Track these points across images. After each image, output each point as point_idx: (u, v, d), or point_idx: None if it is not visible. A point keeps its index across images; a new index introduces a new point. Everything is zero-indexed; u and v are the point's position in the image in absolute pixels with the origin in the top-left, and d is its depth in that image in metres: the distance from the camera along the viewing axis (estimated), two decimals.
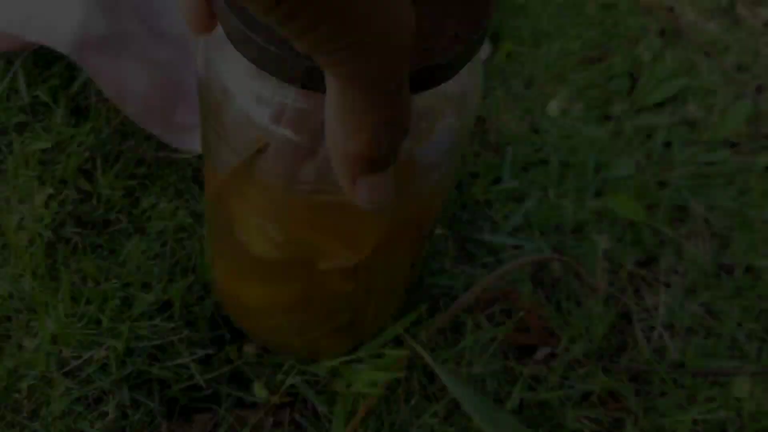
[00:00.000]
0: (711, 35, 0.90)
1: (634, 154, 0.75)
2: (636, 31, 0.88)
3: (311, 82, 0.30)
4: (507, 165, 0.71)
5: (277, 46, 0.29)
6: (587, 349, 0.59)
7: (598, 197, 0.70)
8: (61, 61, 0.70)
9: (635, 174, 0.73)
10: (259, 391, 0.54)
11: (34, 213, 0.60)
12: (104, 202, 0.63)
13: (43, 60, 0.71)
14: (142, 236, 0.61)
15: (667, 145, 0.77)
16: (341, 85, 0.26)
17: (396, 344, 0.57)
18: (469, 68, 0.34)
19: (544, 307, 0.62)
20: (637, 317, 0.63)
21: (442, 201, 0.47)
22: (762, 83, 0.86)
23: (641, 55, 0.85)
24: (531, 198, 0.68)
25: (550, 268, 0.64)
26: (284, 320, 0.52)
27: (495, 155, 0.72)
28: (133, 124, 0.68)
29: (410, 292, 0.55)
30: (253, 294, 0.51)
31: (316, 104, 0.33)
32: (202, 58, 0.39)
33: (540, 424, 0.54)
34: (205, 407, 0.54)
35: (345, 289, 0.47)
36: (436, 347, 0.57)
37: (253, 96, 0.36)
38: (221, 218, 0.46)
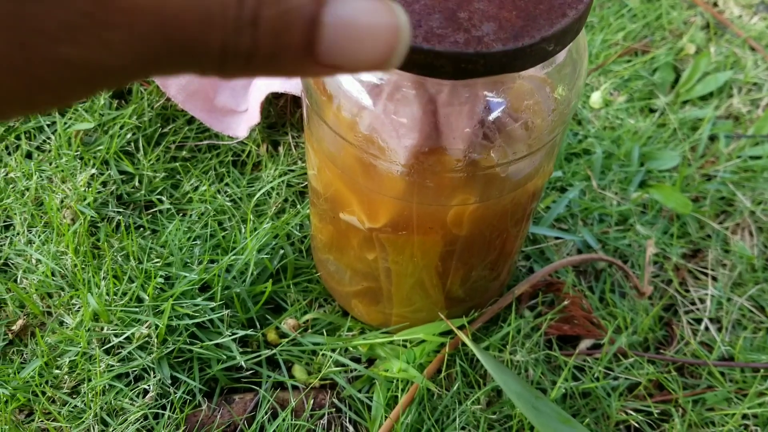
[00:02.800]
0: (755, 29, 0.88)
1: (679, 146, 0.73)
2: (679, 24, 0.87)
3: None
4: None
5: None
6: (632, 340, 0.58)
7: (642, 189, 0.69)
8: None
9: (680, 166, 0.71)
10: (300, 373, 0.54)
11: (77, 192, 0.60)
12: (146, 184, 0.63)
13: None
14: (183, 218, 0.61)
15: (712, 138, 0.76)
16: None
17: (439, 334, 0.56)
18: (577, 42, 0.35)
19: (588, 298, 0.60)
20: (683, 310, 0.61)
21: (510, 214, 0.46)
22: None
23: (685, 48, 0.84)
24: (574, 189, 0.67)
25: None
26: (327, 257, 0.52)
27: None
28: (175, 108, 0.68)
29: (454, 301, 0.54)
30: (314, 225, 0.53)
31: None
32: None
33: (584, 414, 0.53)
34: (246, 387, 0.53)
35: (365, 254, 0.47)
36: (478, 334, 0.56)
37: None
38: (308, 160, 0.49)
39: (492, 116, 0.36)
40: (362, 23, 0.18)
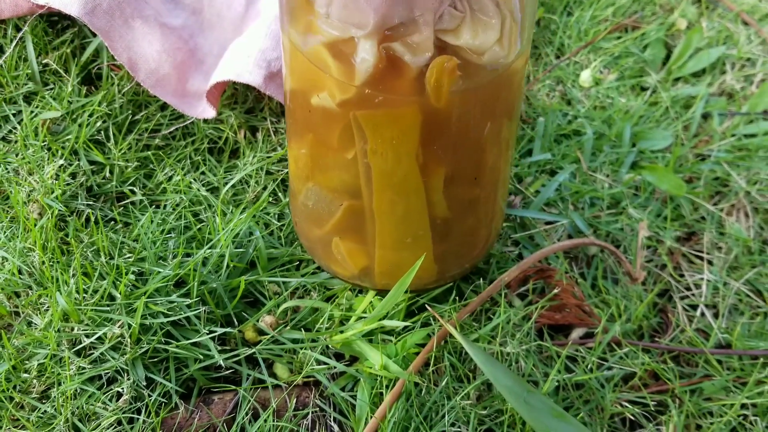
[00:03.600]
0: (748, 3, 0.85)
1: (671, 125, 0.71)
2: None
3: None
4: (538, 137, 0.67)
5: None
6: (626, 329, 0.56)
7: (634, 170, 0.67)
8: (72, 27, 0.67)
9: (673, 146, 0.69)
10: (282, 371, 0.51)
11: (44, 185, 0.57)
12: (117, 174, 0.60)
13: (53, 26, 0.68)
14: (156, 209, 0.58)
15: (706, 116, 0.73)
16: None
17: (423, 322, 0.54)
18: None
19: (580, 285, 0.58)
20: (678, 296, 0.59)
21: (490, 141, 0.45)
22: None
23: (676, 23, 0.81)
24: (564, 171, 0.65)
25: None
26: (305, 192, 0.51)
27: (526, 127, 0.68)
28: (147, 94, 0.65)
29: (442, 261, 0.52)
30: (292, 162, 0.52)
31: None
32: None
33: (578, 407, 0.51)
34: (225, 388, 0.51)
35: (344, 153, 0.46)
36: (466, 325, 0.54)
37: None
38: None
39: None
40: None
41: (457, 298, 0.55)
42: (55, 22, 0.68)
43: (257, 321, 0.53)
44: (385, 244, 0.50)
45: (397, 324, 0.51)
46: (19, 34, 0.64)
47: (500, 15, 0.39)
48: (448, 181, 0.47)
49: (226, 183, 0.61)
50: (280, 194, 0.60)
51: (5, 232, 0.55)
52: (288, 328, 0.53)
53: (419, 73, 0.40)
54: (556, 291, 0.55)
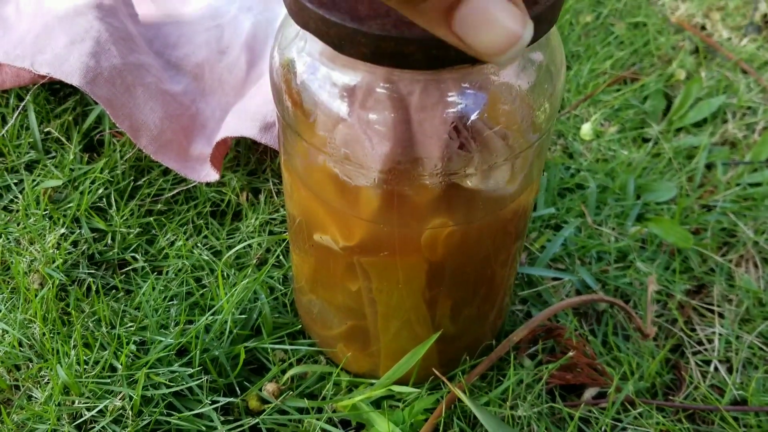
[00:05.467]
0: (746, 51, 0.86)
1: (675, 176, 0.71)
2: (668, 49, 0.85)
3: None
4: (542, 192, 0.67)
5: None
6: (639, 387, 0.55)
7: (640, 223, 0.66)
8: (73, 95, 0.68)
9: (678, 198, 0.68)
10: None
11: (46, 254, 0.57)
12: (119, 241, 0.60)
13: (54, 94, 0.68)
14: (158, 276, 0.57)
15: (709, 166, 0.73)
16: None
17: (431, 386, 0.52)
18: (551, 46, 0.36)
19: (591, 343, 0.57)
20: (690, 351, 0.58)
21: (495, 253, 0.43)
22: None
23: (675, 74, 0.81)
24: (569, 226, 0.64)
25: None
26: (309, 298, 0.50)
27: None
28: (149, 159, 0.65)
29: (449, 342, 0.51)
30: (294, 264, 0.51)
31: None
32: (277, 52, 0.38)
33: None
34: None
35: (348, 284, 0.44)
36: (476, 388, 0.53)
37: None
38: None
39: (467, 121, 0.34)
40: (496, 17, 0.23)
41: (467, 357, 0.54)
42: (56, 90, 0.69)
43: (260, 389, 0.52)
44: (391, 356, 0.50)
45: (407, 390, 0.50)
46: (22, 104, 0.65)
47: (510, 154, 0.37)
48: (454, 307, 0.47)
49: (229, 246, 0.60)
50: (282, 258, 0.60)
51: (5, 304, 0.54)
52: (293, 395, 0.52)
53: (426, 213, 0.39)
54: (570, 354, 0.54)
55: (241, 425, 0.50)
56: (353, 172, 0.37)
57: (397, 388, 0.50)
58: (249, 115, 0.61)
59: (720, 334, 0.59)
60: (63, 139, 0.65)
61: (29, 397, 0.51)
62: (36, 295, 0.54)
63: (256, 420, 0.50)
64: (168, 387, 0.49)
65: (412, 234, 0.40)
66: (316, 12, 0.30)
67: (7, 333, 0.53)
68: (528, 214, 0.46)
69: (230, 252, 0.59)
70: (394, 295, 0.44)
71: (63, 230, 0.58)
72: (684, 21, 0.89)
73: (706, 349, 0.59)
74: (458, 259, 0.42)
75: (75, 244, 0.59)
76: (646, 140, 0.75)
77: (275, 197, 0.64)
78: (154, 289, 0.55)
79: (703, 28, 0.90)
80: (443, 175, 0.36)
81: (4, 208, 0.61)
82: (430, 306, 0.45)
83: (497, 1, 0.23)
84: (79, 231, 0.59)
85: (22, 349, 0.52)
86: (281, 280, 0.58)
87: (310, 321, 0.53)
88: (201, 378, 0.50)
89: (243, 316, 0.54)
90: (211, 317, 0.53)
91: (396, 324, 0.46)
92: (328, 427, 0.50)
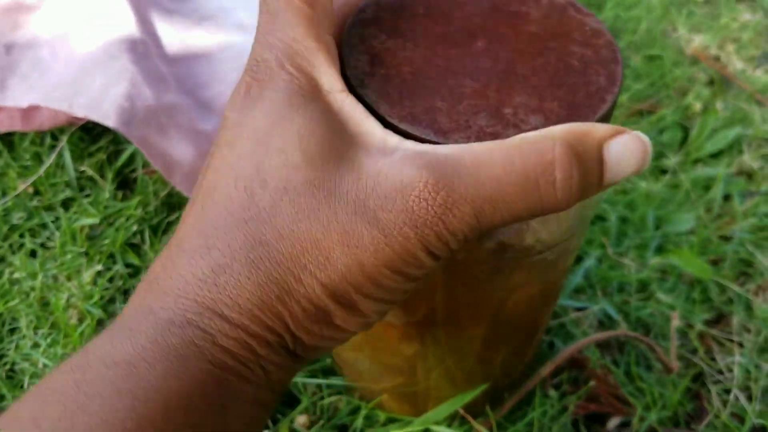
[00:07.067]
0: (760, 82, 0.87)
1: (693, 207, 0.72)
2: (684, 81, 0.87)
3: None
4: None
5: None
6: (662, 416, 0.56)
7: (660, 254, 0.68)
8: (107, 134, 0.70)
9: (696, 228, 0.70)
10: None
11: (83, 290, 0.59)
12: None
13: (88, 133, 0.71)
14: None
15: (727, 197, 0.74)
16: None
17: (461, 422, 0.54)
18: None
19: (613, 374, 0.58)
20: (711, 380, 0.59)
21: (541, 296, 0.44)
22: None
23: (691, 105, 0.83)
24: (590, 257, 0.66)
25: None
26: (356, 356, 0.50)
27: None
28: (180, 195, 0.67)
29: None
30: None
31: None
32: None
33: None
34: None
35: (403, 349, 0.45)
36: (503, 419, 0.54)
37: None
38: None
39: None
40: (628, 154, 0.27)
41: (504, 395, 0.55)
42: (89, 129, 0.71)
43: (292, 422, 0.53)
44: (434, 399, 0.51)
45: (446, 431, 0.51)
46: (59, 145, 0.67)
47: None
48: (504, 357, 0.48)
49: None
50: None
51: (46, 339, 0.56)
52: (325, 426, 0.53)
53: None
54: (592, 384, 0.55)
55: None
56: None
57: (436, 428, 0.51)
58: None
59: (740, 363, 0.60)
60: (97, 177, 0.67)
61: None
62: (75, 330, 0.56)
63: None
64: None
65: (475, 299, 0.40)
66: (397, 126, 0.30)
67: (47, 367, 0.55)
68: (575, 253, 0.47)
69: None
70: (449, 357, 0.45)
71: (99, 267, 0.60)
72: (699, 53, 0.90)
73: (726, 378, 0.60)
74: (521, 318, 0.43)
75: (111, 279, 0.61)
76: (663, 172, 0.77)
77: None
78: None
79: (718, 59, 0.91)
80: (495, 249, 0.36)
81: (42, 245, 0.64)
82: (480, 360, 0.46)
83: (625, 143, 0.27)
84: (114, 267, 0.61)
85: None
86: None
87: (353, 375, 0.54)
88: None
89: None
90: None
91: (448, 378, 0.48)
92: None
